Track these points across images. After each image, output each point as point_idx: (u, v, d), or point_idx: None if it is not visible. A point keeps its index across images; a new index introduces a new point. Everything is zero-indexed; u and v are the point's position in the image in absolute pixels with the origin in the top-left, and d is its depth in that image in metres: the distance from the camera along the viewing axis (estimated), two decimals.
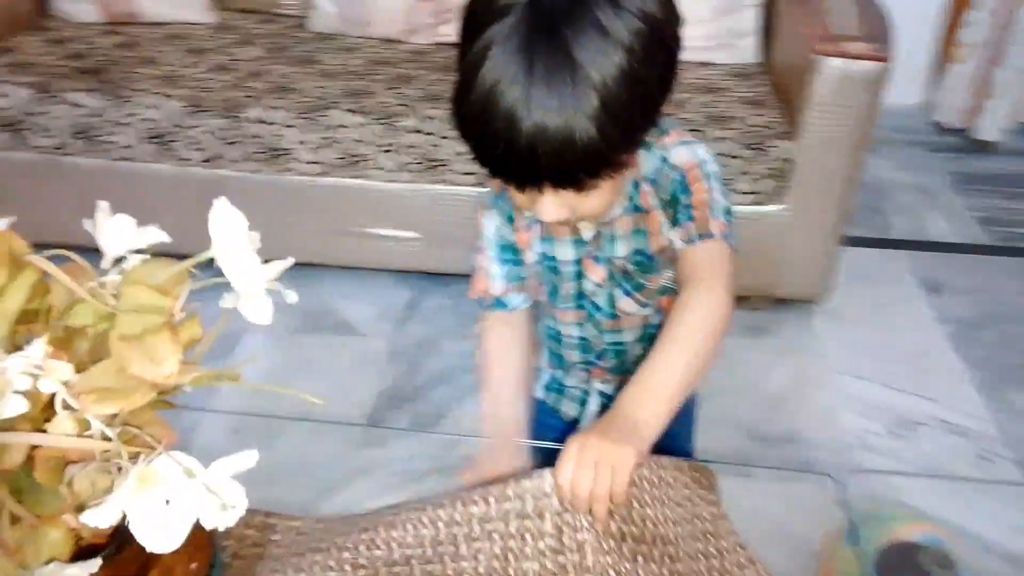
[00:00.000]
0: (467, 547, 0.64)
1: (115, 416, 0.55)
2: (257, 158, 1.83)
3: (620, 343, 0.93)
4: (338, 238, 1.92)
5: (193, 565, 0.67)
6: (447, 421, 1.70)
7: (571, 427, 1.04)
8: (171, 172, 1.86)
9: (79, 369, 0.53)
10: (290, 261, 0.60)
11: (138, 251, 0.61)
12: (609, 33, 0.62)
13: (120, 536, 0.61)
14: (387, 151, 1.78)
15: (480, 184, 1.77)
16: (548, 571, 0.61)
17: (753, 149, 1.73)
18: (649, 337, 0.93)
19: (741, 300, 1.95)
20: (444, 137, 1.76)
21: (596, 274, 0.87)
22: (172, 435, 0.60)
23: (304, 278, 1.92)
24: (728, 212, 0.78)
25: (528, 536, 0.62)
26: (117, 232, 0.61)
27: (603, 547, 0.61)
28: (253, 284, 0.56)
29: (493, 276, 0.90)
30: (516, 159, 0.64)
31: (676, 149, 0.78)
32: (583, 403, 1.03)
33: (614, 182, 0.71)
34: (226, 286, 0.55)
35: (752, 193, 1.77)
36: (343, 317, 1.96)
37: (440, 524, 0.65)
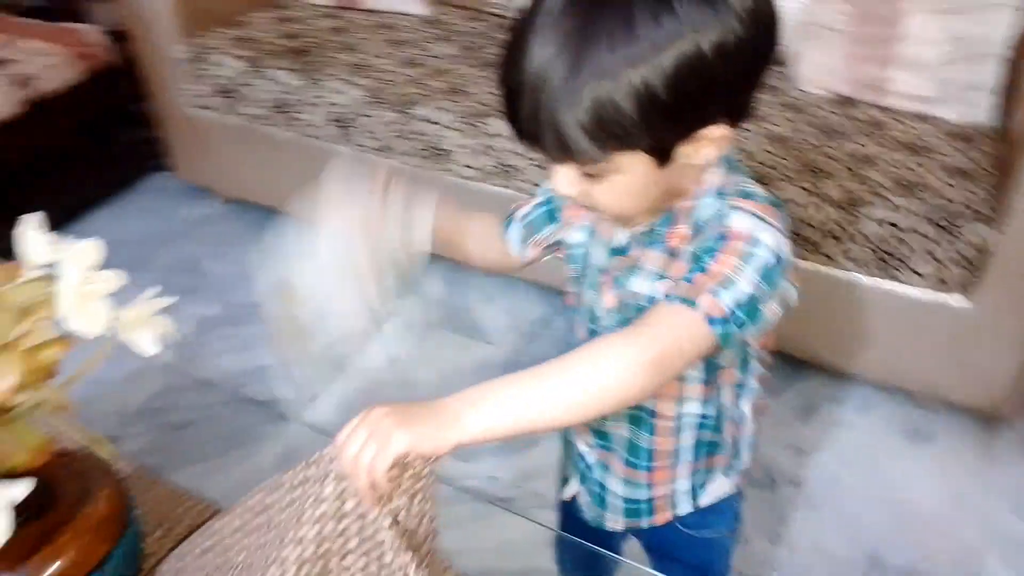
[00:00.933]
0: (277, 516, 0.62)
1: None
2: (422, 154, 1.88)
3: None
4: None
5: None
6: (536, 449, 1.65)
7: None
8: (348, 155, 1.97)
9: None
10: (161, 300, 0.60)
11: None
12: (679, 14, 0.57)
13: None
14: (539, 167, 1.75)
15: None
16: (328, 536, 0.57)
17: (939, 227, 1.47)
18: (637, 415, 0.82)
19: (905, 394, 1.70)
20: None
21: (608, 298, 0.79)
22: (44, 444, 0.62)
23: (454, 274, 1.98)
24: (747, 304, 0.65)
25: (311, 500, 0.59)
26: (36, 244, 0.63)
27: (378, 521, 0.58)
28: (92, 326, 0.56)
29: (524, 208, 0.89)
30: (516, 109, 0.62)
31: (743, 215, 0.67)
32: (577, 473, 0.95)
33: (628, 183, 0.64)
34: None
35: (933, 279, 1.52)
36: (477, 321, 1.97)
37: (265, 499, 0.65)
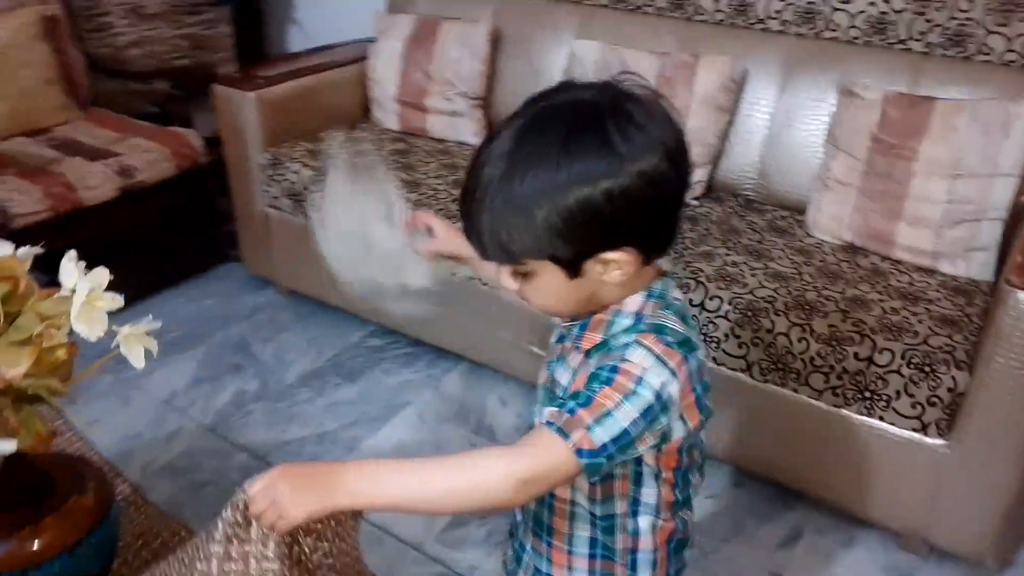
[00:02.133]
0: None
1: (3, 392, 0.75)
2: None
3: None
4: (508, 349, 2.07)
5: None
6: None
7: None
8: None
9: None
10: (155, 324, 0.77)
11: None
12: (607, 156, 0.72)
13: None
14: None
15: None
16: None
17: (920, 370, 1.54)
18: (548, 502, 0.92)
19: (891, 533, 1.71)
20: None
21: (542, 375, 0.92)
22: (45, 432, 0.79)
23: (475, 374, 2.11)
24: (620, 439, 0.74)
25: (207, 538, 0.75)
26: (71, 272, 0.81)
27: (283, 549, 0.73)
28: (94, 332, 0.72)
29: None
30: (463, 216, 0.78)
31: (645, 352, 0.76)
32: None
33: (546, 287, 0.78)
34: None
35: (912, 419, 1.58)
36: (488, 420, 2.08)
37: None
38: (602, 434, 0.73)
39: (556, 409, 0.77)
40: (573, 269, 0.77)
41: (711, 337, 1.74)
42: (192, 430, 2.00)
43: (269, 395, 2.15)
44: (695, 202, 2.15)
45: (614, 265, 0.76)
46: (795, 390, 1.68)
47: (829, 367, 1.62)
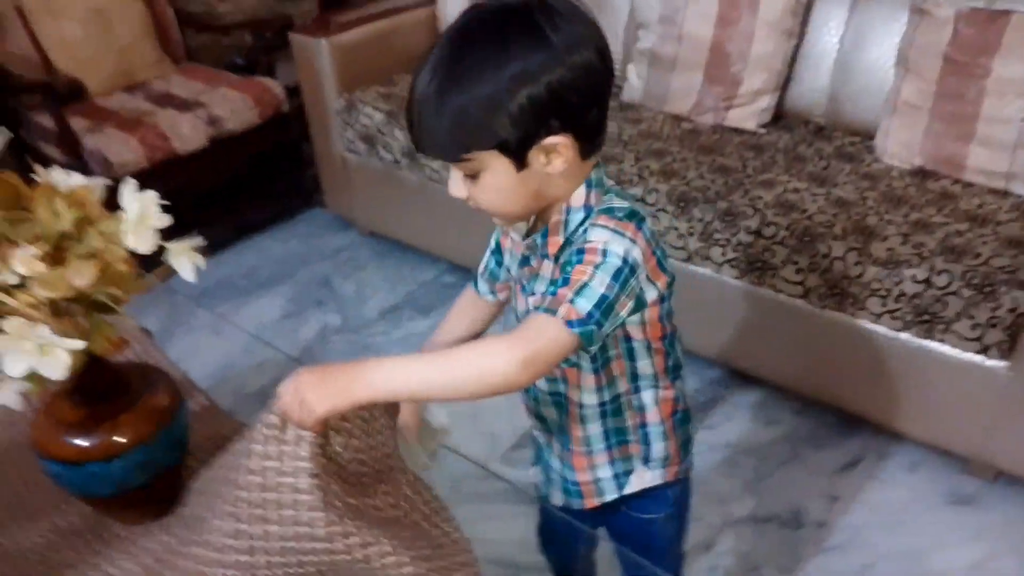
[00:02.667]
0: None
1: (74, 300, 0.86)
2: None
3: (534, 386, 1.00)
4: None
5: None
6: None
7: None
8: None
9: (53, 264, 0.85)
10: (199, 240, 0.87)
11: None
12: (506, 51, 0.77)
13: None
14: None
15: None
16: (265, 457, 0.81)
17: (979, 291, 1.51)
18: (556, 400, 0.98)
19: (955, 458, 1.70)
20: (663, 210, 1.85)
21: (520, 302, 0.97)
22: (114, 337, 0.90)
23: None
24: (601, 304, 0.79)
25: (251, 438, 0.82)
26: (128, 196, 0.90)
27: (316, 448, 0.79)
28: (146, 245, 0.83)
29: (483, 260, 1.06)
30: (409, 126, 0.83)
31: (601, 230, 0.83)
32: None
33: (496, 183, 0.82)
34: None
35: (973, 340, 1.55)
36: None
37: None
38: (584, 303, 0.79)
39: (539, 296, 0.86)
40: (520, 158, 0.81)
41: (769, 264, 1.74)
42: (279, 360, 2.14)
43: (349, 327, 2.28)
44: (762, 130, 2.12)
45: (555, 154, 0.81)
46: (853, 315, 1.67)
47: (886, 291, 1.61)
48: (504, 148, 0.80)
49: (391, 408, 0.90)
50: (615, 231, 0.82)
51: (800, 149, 2.04)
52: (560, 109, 0.79)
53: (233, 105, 2.56)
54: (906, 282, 1.58)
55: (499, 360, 0.78)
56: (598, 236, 0.82)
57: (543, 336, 0.79)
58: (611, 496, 1.04)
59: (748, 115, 2.12)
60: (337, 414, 0.79)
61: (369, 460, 0.88)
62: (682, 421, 1.02)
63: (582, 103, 0.80)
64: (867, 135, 2.05)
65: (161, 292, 2.16)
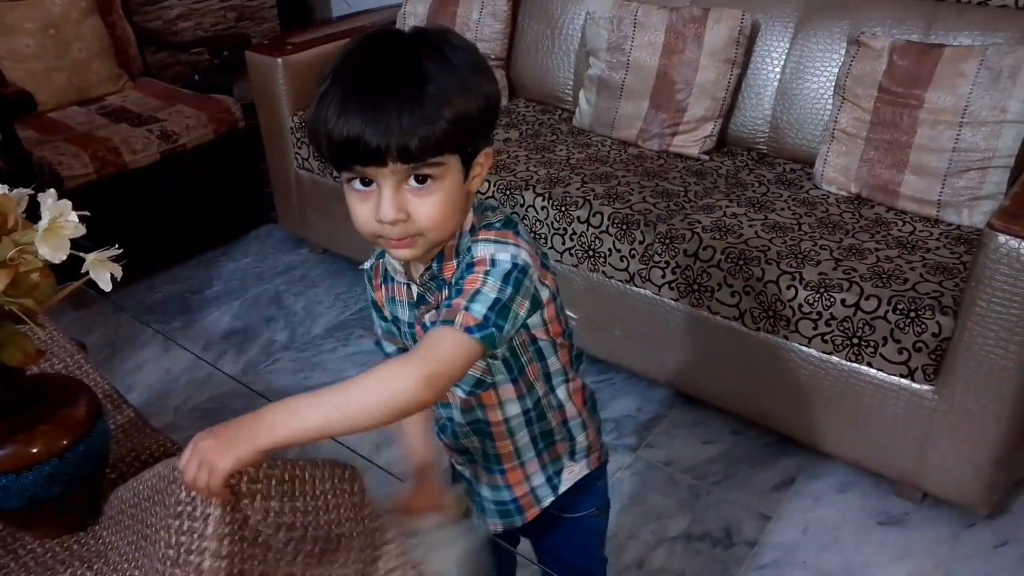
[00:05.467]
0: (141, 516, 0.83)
1: None
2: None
3: (451, 419, 1.01)
4: None
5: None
6: None
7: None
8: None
9: None
10: (116, 250, 0.87)
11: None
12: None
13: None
14: (559, 235, 1.96)
15: (630, 277, 1.87)
16: (180, 532, 0.77)
17: (906, 315, 1.56)
18: (476, 426, 0.99)
19: (885, 480, 1.73)
20: (605, 232, 1.88)
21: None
22: (29, 348, 0.90)
23: None
24: (496, 306, 0.80)
25: (165, 505, 0.78)
26: (47, 207, 0.91)
27: (223, 526, 0.74)
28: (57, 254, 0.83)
29: (374, 324, 1.05)
30: (360, 138, 0.77)
31: (484, 244, 0.84)
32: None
33: (444, 196, 0.81)
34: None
35: (900, 364, 1.59)
36: None
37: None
38: (479, 307, 0.79)
39: (433, 312, 0.88)
40: (468, 168, 0.83)
41: (706, 286, 1.78)
42: (222, 376, 2.14)
43: (297, 345, 2.28)
44: (705, 157, 2.17)
45: (481, 168, 0.85)
46: (786, 337, 1.71)
47: (817, 314, 1.65)
48: (464, 153, 0.82)
49: (338, 471, 0.83)
50: (497, 241, 0.85)
51: (741, 175, 2.09)
52: (492, 121, 0.84)
53: (188, 121, 2.56)
54: (836, 306, 1.62)
55: (401, 382, 0.76)
56: (483, 250, 0.84)
57: (442, 348, 0.79)
58: (548, 500, 1.06)
59: (692, 142, 2.17)
60: (243, 467, 0.73)
61: (304, 525, 0.80)
62: (592, 407, 1.07)
63: (493, 121, 0.86)
64: (807, 162, 2.10)
65: (108, 307, 2.15)
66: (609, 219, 1.89)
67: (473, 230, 0.88)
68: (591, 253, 1.92)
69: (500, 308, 0.80)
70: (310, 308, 2.44)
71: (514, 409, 0.98)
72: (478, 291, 0.81)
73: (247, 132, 2.70)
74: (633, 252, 1.86)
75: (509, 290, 0.81)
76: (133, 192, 2.46)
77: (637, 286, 1.88)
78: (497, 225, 0.87)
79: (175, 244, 2.67)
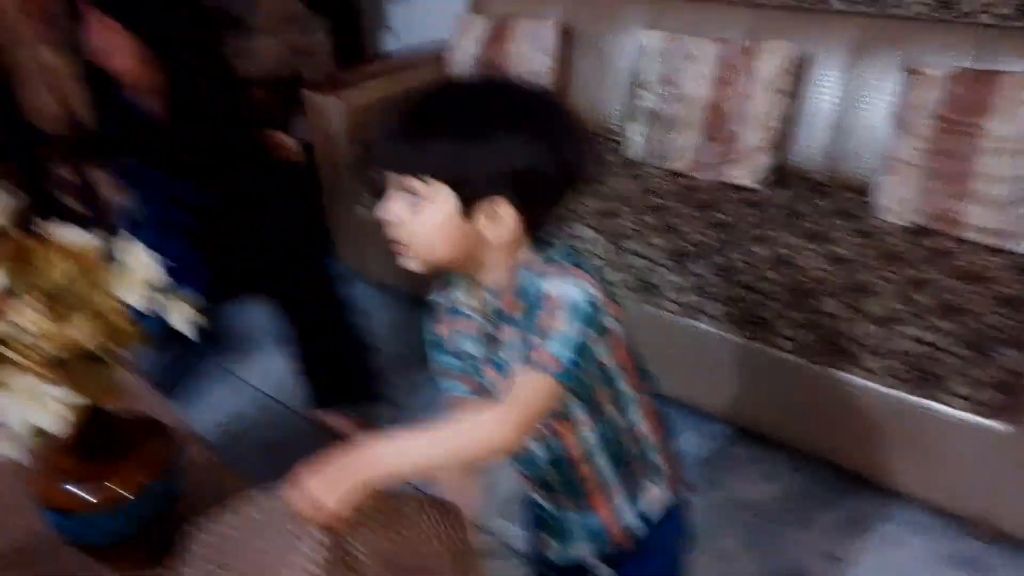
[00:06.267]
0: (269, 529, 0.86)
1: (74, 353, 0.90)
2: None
3: (530, 451, 1.02)
4: None
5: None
6: None
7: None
8: None
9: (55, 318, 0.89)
10: (198, 299, 0.91)
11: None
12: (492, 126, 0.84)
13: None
14: (612, 267, 1.96)
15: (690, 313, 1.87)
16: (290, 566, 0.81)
17: (975, 350, 1.52)
18: (556, 456, 1.01)
19: (953, 519, 1.69)
20: (660, 264, 1.88)
21: (491, 377, 0.99)
22: (112, 388, 0.94)
23: None
24: (574, 346, 0.84)
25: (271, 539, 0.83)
26: (131, 256, 0.95)
27: (331, 556, 0.79)
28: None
29: (434, 364, 1.08)
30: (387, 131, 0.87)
31: (551, 279, 0.87)
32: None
33: (437, 219, 0.86)
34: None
35: (969, 400, 1.55)
36: None
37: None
38: (559, 349, 0.83)
39: (517, 353, 0.90)
40: (468, 204, 0.85)
41: (764, 319, 1.76)
42: (287, 412, 2.18)
43: None
44: (760, 187, 2.16)
45: (499, 220, 0.86)
46: (849, 371, 1.68)
47: (880, 347, 1.62)
48: (461, 188, 0.85)
49: (439, 507, 0.91)
50: (564, 276, 0.87)
51: (798, 205, 2.07)
52: (525, 188, 0.85)
53: None
54: (900, 339, 1.60)
55: (497, 429, 0.83)
56: (551, 286, 0.87)
57: (531, 393, 0.85)
58: (633, 522, 1.07)
59: (746, 172, 2.16)
60: (351, 505, 0.80)
61: (401, 556, 0.86)
62: (664, 428, 1.09)
63: (545, 196, 0.88)
64: (865, 192, 2.08)
65: (179, 343, 2.21)
66: (664, 251, 1.89)
67: (531, 266, 0.90)
68: (645, 285, 1.92)
69: (578, 347, 0.84)
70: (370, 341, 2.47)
71: (588, 434, 1.00)
72: (556, 332, 0.84)
73: (306, 169, 2.76)
74: (689, 284, 1.85)
75: (585, 327, 0.85)
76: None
77: (693, 319, 1.88)
78: (557, 258, 0.90)
79: (237, 280, 2.73)
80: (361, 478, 0.80)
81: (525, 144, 0.84)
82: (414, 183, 0.86)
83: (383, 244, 2.81)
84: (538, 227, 0.90)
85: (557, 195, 0.89)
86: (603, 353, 0.94)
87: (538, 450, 1.02)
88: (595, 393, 0.97)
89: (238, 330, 2.57)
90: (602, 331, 0.88)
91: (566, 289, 0.86)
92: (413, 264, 0.92)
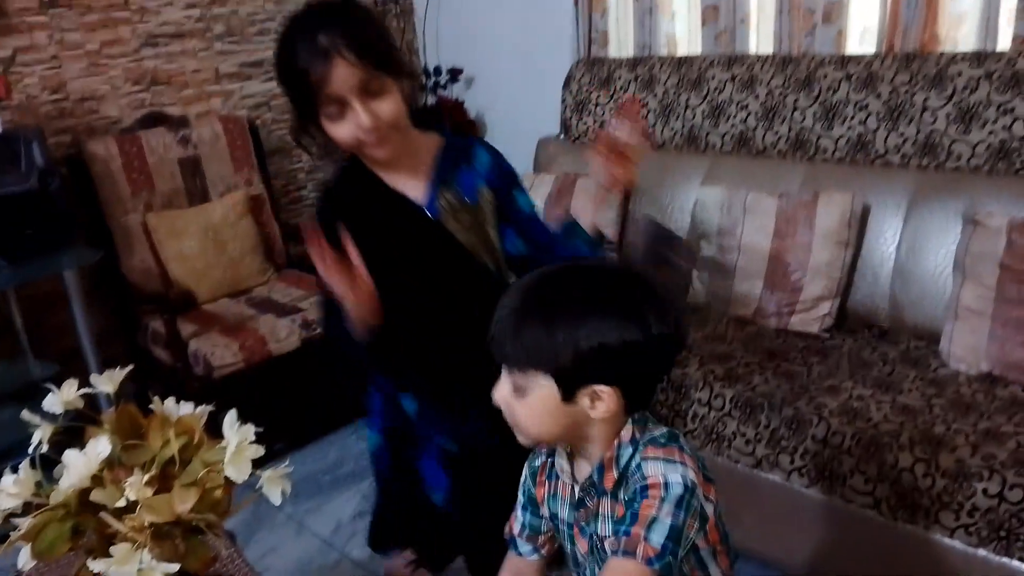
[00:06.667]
0: None
1: (175, 523, 0.97)
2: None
3: None
4: None
5: None
6: None
7: None
8: None
9: (157, 491, 0.97)
10: (288, 468, 0.98)
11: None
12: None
13: None
14: (680, 416, 1.98)
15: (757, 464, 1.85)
16: None
17: None
18: None
19: None
20: (728, 415, 1.89)
21: (581, 544, 1.02)
22: (206, 557, 1.00)
23: None
24: (672, 534, 0.87)
25: None
26: (228, 427, 1.03)
27: None
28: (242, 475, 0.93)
29: (516, 518, 1.11)
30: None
31: (654, 463, 0.92)
32: None
33: (540, 405, 0.92)
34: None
35: None
36: None
37: None
38: (658, 538, 0.86)
39: (613, 538, 0.91)
40: (569, 392, 0.90)
41: (837, 473, 1.74)
42: (350, 562, 2.20)
43: None
44: (826, 334, 2.18)
45: (601, 403, 0.91)
46: (926, 528, 1.64)
47: (958, 504, 1.58)
48: (559, 378, 0.90)
49: None
50: (667, 460, 0.91)
51: (864, 354, 2.07)
52: (622, 368, 0.89)
53: None
54: (978, 496, 1.56)
55: None
56: (653, 470, 0.91)
57: None
58: None
59: (811, 320, 2.19)
60: None
61: None
62: None
63: (644, 372, 0.92)
64: (932, 339, 2.07)
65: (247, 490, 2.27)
66: (731, 401, 1.90)
67: (636, 443, 0.94)
68: (714, 436, 1.93)
69: (675, 535, 0.87)
70: None
71: None
72: (656, 518, 0.88)
73: None
74: (759, 436, 1.85)
75: (682, 515, 0.88)
76: (273, 376, 2.65)
77: (765, 471, 1.86)
78: (662, 440, 0.94)
79: (310, 423, 2.83)
80: None
81: (616, 327, 0.88)
82: (515, 374, 0.92)
83: None
84: (641, 402, 0.95)
85: (655, 370, 0.94)
86: (699, 537, 0.96)
87: None
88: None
89: (306, 473, 2.63)
90: (701, 519, 0.91)
91: (667, 474, 0.90)
92: (522, 439, 0.98)
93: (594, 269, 0.96)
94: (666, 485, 0.89)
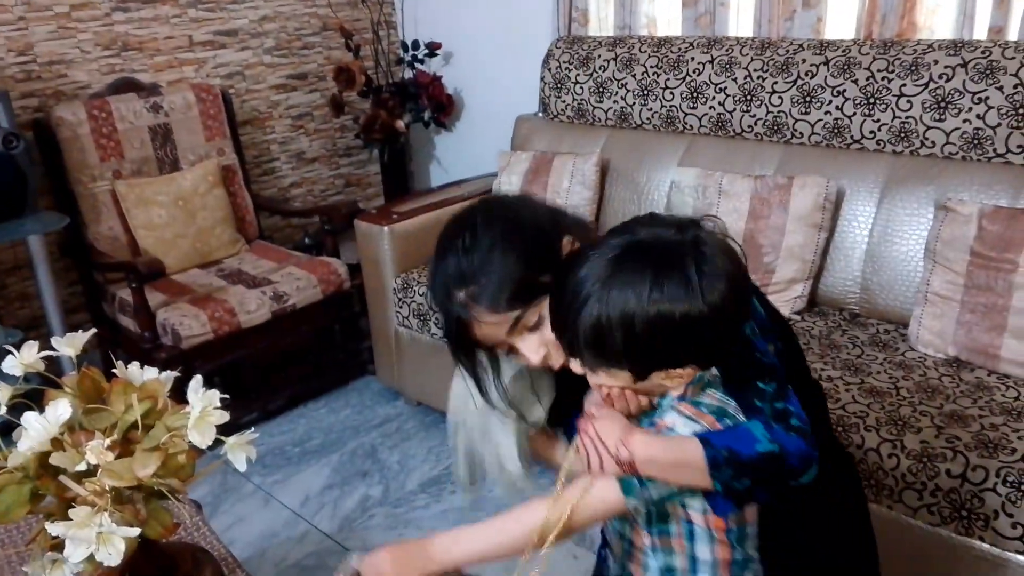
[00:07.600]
0: None
1: (136, 488, 0.95)
2: None
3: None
4: None
5: None
6: None
7: None
8: None
9: (119, 456, 0.95)
10: (252, 435, 0.96)
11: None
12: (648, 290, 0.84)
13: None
14: None
15: None
16: None
17: (1017, 488, 1.50)
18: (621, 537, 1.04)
19: None
20: None
21: None
22: (168, 523, 0.98)
23: None
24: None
25: None
26: (198, 395, 1.01)
27: None
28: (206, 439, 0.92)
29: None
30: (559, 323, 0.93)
31: (674, 414, 0.92)
32: None
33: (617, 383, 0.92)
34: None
35: (1014, 539, 1.52)
36: None
37: None
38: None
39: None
40: (642, 376, 0.90)
41: None
42: (319, 533, 2.20)
43: (390, 500, 2.32)
44: (796, 316, 2.20)
45: (676, 377, 0.90)
46: (889, 507, 1.66)
47: (921, 484, 1.60)
48: (632, 370, 0.89)
49: None
50: (689, 418, 0.91)
51: (834, 336, 2.09)
52: (690, 344, 0.86)
53: (299, 283, 2.75)
54: (941, 476, 1.58)
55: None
56: (672, 418, 0.92)
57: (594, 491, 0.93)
58: None
59: (782, 302, 2.20)
60: None
61: None
62: None
63: (711, 336, 0.87)
64: (901, 323, 2.10)
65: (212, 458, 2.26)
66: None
67: (679, 399, 0.93)
68: None
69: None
70: (404, 462, 2.50)
71: (651, 556, 1.01)
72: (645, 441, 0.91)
73: (352, 290, 2.87)
74: None
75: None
76: (243, 348, 2.62)
77: None
78: (704, 409, 0.91)
79: (279, 396, 2.81)
80: (430, 565, 0.92)
81: (679, 303, 0.84)
82: (595, 374, 0.92)
83: (420, 364, 2.88)
84: (716, 363, 0.93)
85: (722, 338, 0.89)
86: (695, 509, 0.95)
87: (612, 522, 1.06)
88: (671, 537, 0.98)
89: (275, 445, 2.62)
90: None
91: (676, 426, 0.91)
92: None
93: (634, 252, 0.88)
94: (668, 431, 0.90)
